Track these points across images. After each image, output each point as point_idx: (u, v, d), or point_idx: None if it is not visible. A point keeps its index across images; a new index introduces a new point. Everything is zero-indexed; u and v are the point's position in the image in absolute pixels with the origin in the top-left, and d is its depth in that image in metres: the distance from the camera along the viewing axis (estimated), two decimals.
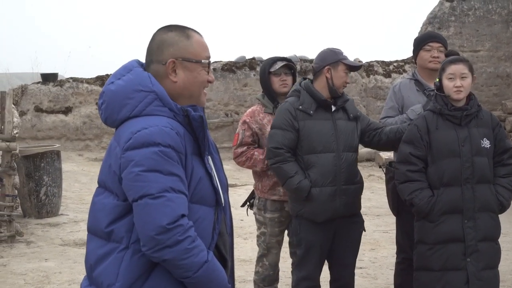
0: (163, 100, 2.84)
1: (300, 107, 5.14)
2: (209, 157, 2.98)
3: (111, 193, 2.83)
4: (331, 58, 5.18)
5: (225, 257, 2.96)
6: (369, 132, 5.35)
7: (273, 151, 5.12)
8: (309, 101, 5.16)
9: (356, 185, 5.24)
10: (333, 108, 5.21)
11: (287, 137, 5.10)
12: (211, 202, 2.89)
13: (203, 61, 2.92)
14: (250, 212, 5.95)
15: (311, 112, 5.14)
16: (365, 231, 5.46)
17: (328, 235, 5.21)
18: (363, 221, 5.40)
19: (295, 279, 5.31)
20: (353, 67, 5.29)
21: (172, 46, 2.91)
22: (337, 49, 5.27)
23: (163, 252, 2.66)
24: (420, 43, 5.71)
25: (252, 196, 5.90)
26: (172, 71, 2.90)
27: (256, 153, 5.58)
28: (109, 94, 2.89)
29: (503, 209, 4.92)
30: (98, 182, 2.94)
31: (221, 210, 2.94)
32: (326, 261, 5.38)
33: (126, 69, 2.93)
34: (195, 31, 2.97)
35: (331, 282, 5.44)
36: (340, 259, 5.33)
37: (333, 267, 5.39)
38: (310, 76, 5.41)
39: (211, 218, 2.88)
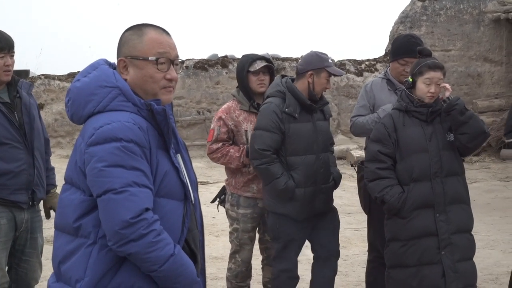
0: (127, 95, 2.87)
1: (286, 110, 5.20)
2: (178, 154, 2.99)
3: (77, 188, 2.85)
4: (316, 64, 5.23)
5: (195, 252, 2.97)
6: None
7: (260, 153, 5.16)
8: (294, 104, 5.22)
9: (331, 183, 5.40)
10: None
11: (273, 139, 5.17)
12: (180, 196, 2.90)
13: (150, 58, 2.90)
14: (221, 209, 5.96)
15: (296, 115, 5.21)
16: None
17: (306, 229, 5.35)
18: (336, 209, 5.59)
19: (275, 272, 5.38)
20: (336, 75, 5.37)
21: (124, 46, 2.95)
22: (324, 54, 5.31)
23: (128, 246, 2.68)
24: (396, 55, 5.66)
25: (222, 192, 5.90)
26: (124, 69, 2.93)
27: (231, 150, 5.57)
28: (74, 91, 2.93)
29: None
30: (65, 179, 2.96)
31: (190, 204, 2.95)
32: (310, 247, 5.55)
33: (93, 67, 2.97)
34: (155, 28, 2.98)
35: (315, 258, 5.53)
36: (323, 238, 5.45)
37: (316, 244, 5.50)
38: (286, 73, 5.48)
39: (180, 212, 2.89)
